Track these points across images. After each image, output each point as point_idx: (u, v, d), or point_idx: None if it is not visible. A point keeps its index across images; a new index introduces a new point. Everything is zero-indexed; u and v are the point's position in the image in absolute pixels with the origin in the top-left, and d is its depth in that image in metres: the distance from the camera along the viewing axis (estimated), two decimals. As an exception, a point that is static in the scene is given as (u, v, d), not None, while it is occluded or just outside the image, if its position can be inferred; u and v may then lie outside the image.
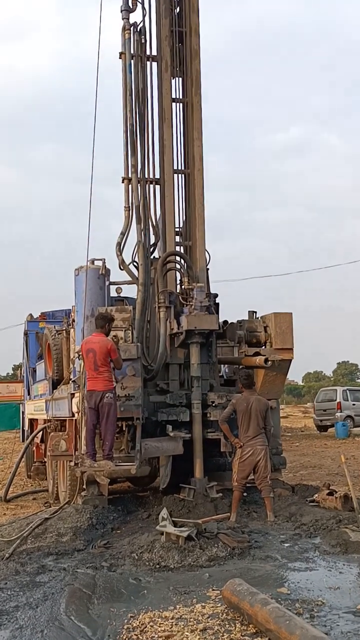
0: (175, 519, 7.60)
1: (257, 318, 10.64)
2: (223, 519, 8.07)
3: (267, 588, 5.72)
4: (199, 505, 8.87)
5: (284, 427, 27.90)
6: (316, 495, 9.33)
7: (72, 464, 9.18)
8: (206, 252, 10.65)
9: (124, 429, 8.97)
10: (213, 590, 5.78)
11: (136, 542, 7.26)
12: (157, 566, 6.63)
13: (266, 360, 9.95)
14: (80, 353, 8.69)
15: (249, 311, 10.92)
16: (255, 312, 10.88)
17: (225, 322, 11.82)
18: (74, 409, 9.86)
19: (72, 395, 10.03)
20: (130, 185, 10.21)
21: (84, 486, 8.98)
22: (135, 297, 9.97)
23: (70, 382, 10.19)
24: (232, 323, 10.84)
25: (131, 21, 10.46)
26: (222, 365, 11.99)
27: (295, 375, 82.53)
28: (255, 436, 8.64)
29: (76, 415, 9.69)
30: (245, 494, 9.91)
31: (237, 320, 10.72)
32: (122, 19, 10.42)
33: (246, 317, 10.85)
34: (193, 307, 9.66)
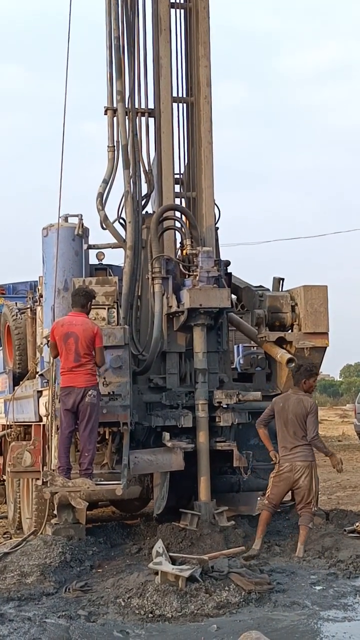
0: (174, 554, 7.61)
1: (285, 292, 10.56)
2: (236, 554, 8.09)
3: (292, 644, 5.75)
4: (205, 537, 8.90)
5: (315, 436, 27.92)
6: (357, 523, 9.36)
7: (40, 482, 9.19)
8: (215, 207, 10.61)
9: (107, 437, 9.00)
10: (222, 646, 5.81)
11: (123, 584, 7.27)
12: (150, 615, 6.63)
13: (290, 361, 9.96)
14: (51, 342, 8.68)
15: (274, 278, 10.87)
16: (283, 280, 10.80)
17: (239, 298, 11.81)
18: (42, 412, 9.87)
19: (40, 393, 10.04)
20: (115, 118, 10.16)
21: (55, 512, 9.00)
22: (122, 265, 9.94)
23: (37, 376, 10.19)
24: (248, 288, 10.79)
25: None
26: (235, 355, 12.01)
27: (331, 368, 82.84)
28: (293, 447, 8.71)
29: (45, 419, 9.69)
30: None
31: (257, 290, 10.66)
32: None
33: (269, 287, 10.78)
34: (198, 278, 9.64)
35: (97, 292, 9.04)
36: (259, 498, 12.17)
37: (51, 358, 8.94)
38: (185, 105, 10.82)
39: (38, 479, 9.50)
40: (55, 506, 8.90)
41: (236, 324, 10.88)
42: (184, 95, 10.79)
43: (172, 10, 10.72)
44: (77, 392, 8.41)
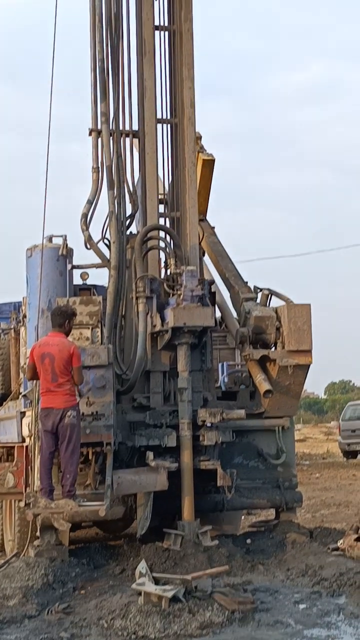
0: (157, 574, 7.59)
1: (272, 309, 10.49)
2: (219, 573, 8.05)
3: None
4: (189, 557, 8.84)
5: (300, 453, 28.01)
6: (341, 541, 9.33)
7: (22, 504, 9.13)
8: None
9: (90, 457, 8.95)
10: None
11: (106, 606, 7.23)
12: (134, 636, 6.59)
13: (267, 392, 9.96)
14: (29, 363, 8.65)
15: (262, 293, 10.80)
16: (271, 295, 10.68)
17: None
18: (25, 432, 9.83)
19: (23, 414, 10.00)
20: (100, 139, 10.17)
21: (38, 533, 8.94)
22: (106, 284, 9.93)
23: (20, 397, 10.15)
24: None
25: None
26: (220, 373, 12.00)
27: (316, 386, 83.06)
28: None
29: (27, 440, 9.64)
30: (248, 541, 9.93)
31: (242, 307, 10.62)
32: None
33: (251, 296, 10.73)
34: (182, 297, 9.63)
35: (81, 312, 9.02)
36: (242, 517, 12.16)
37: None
38: (169, 126, 10.85)
39: (21, 500, 9.44)
40: (38, 528, 8.86)
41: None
42: (168, 117, 10.83)
43: (156, 33, 10.77)
44: (55, 413, 8.38)
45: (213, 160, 12.10)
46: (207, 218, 12.36)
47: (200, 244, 10.78)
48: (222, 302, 11.33)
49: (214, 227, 12.26)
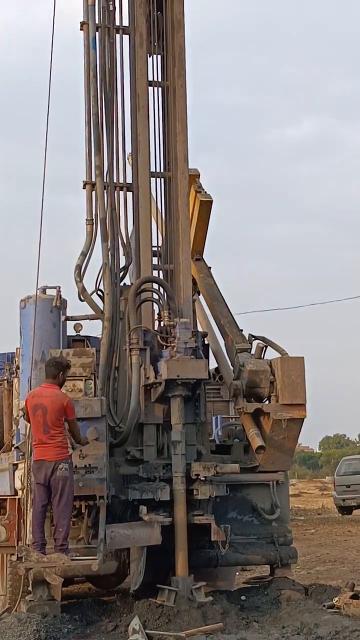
0: (151, 631, 7.50)
1: (266, 362, 10.49)
2: (214, 630, 7.94)
3: None
4: (182, 613, 8.73)
5: (295, 509, 27.83)
6: (336, 599, 9.23)
7: (14, 558, 9.04)
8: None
9: (83, 511, 8.89)
10: None
11: (98, 663, 7.12)
12: None
13: (260, 448, 9.95)
14: (25, 411, 8.62)
15: (257, 345, 10.76)
16: (265, 348, 10.66)
17: (218, 369, 11.83)
18: (17, 485, 9.76)
19: (15, 466, 9.94)
20: (94, 192, 10.26)
21: (30, 588, 8.83)
22: (100, 336, 9.94)
23: (13, 449, 10.10)
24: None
25: (96, -18, 10.61)
26: (214, 426, 11.96)
27: (310, 440, 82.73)
28: None
29: (20, 492, 9.57)
30: (243, 598, 9.82)
31: (237, 358, 10.61)
32: (85, -21, 10.58)
33: (245, 347, 10.72)
34: (175, 349, 9.65)
35: (75, 364, 9.02)
36: (237, 573, 12.03)
37: (27, 431, 8.88)
38: (162, 179, 10.98)
39: (13, 554, 9.35)
40: (30, 582, 8.74)
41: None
42: (162, 170, 10.95)
43: (150, 88, 10.94)
44: (47, 466, 8.33)
45: (210, 202, 12.23)
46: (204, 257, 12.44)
47: (193, 296, 10.84)
48: (218, 349, 11.33)
49: (210, 268, 12.31)
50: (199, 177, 12.28)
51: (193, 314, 10.68)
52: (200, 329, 11.45)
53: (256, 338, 10.81)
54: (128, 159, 10.78)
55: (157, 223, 11.06)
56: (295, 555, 10.60)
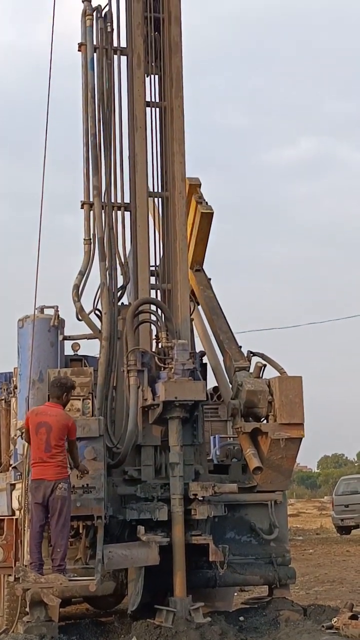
0: (149, 652, 7.45)
1: (265, 381, 10.48)
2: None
3: None
4: (180, 634, 8.71)
5: (293, 529, 27.75)
6: (335, 619, 9.20)
7: (12, 578, 9.01)
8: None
9: (80, 531, 8.87)
10: None
11: None
12: None
13: (257, 469, 9.94)
14: (25, 428, 8.62)
15: (248, 352, 10.80)
16: (264, 367, 10.67)
17: (216, 388, 11.83)
18: (15, 505, 9.74)
19: (13, 486, 9.91)
20: (92, 212, 10.31)
21: (27, 608, 8.80)
22: (98, 355, 9.96)
23: (10, 468, 10.09)
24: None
25: (94, 4, 10.71)
26: (211, 446, 11.95)
27: (308, 459, 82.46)
28: None
29: (17, 513, 9.55)
30: (241, 619, 9.79)
31: (235, 377, 10.62)
32: (83, 1, 10.67)
33: (244, 365, 10.73)
34: (173, 371, 9.65)
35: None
36: (235, 593, 11.99)
37: (25, 450, 8.87)
38: (160, 199, 11.03)
39: (10, 574, 9.33)
40: (28, 603, 8.71)
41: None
42: (159, 190, 11.00)
43: (148, 109, 11.00)
44: (46, 485, 8.32)
45: (211, 213, 12.25)
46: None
47: (191, 316, 10.85)
48: (217, 365, 11.31)
49: (210, 279, 12.31)
50: (200, 187, 12.31)
51: (191, 333, 10.68)
52: (198, 339, 11.46)
53: (255, 354, 10.81)
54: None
55: (154, 242, 11.07)
56: (293, 575, 10.56)
